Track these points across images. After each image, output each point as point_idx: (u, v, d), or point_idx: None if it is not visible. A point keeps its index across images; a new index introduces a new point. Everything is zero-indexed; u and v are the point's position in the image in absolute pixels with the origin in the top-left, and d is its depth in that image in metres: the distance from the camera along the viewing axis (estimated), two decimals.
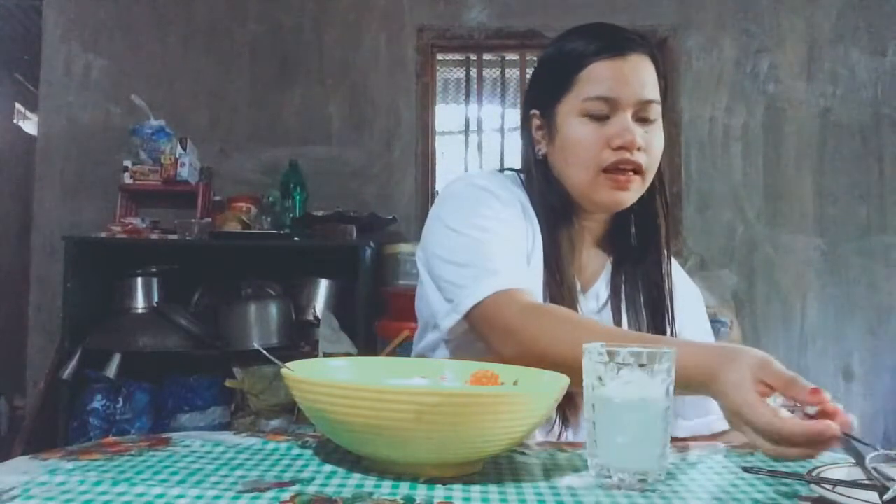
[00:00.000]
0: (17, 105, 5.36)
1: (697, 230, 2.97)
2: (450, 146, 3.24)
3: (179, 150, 2.74)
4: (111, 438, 0.82)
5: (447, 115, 3.23)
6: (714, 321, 2.62)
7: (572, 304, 0.97)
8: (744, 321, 2.85)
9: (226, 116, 2.99)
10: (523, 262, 0.96)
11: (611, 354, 0.67)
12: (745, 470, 0.67)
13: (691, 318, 1.07)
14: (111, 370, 2.46)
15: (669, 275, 1.03)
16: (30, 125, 5.20)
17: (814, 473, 0.65)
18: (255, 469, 0.69)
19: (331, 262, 2.68)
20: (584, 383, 0.69)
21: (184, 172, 2.72)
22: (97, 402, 2.45)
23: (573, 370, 0.71)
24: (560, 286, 0.98)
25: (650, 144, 0.97)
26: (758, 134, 3.01)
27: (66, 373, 2.43)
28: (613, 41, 0.97)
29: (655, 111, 0.98)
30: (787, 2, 3.03)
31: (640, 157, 0.96)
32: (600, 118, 0.96)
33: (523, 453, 0.79)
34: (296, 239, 2.61)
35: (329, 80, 3.01)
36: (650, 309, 1.02)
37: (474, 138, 3.20)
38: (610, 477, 0.66)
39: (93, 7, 3.01)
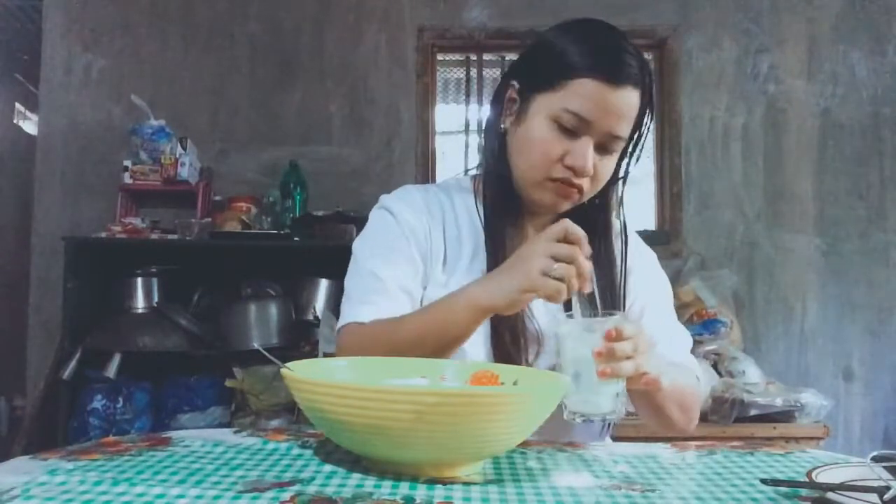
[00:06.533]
0: (17, 105, 5.35)
1: (697, 230, 2.96)
2: (450, 146, 3.23)
3: (179, 150, 2.73)
4: (111, 438, 0.82)
5: (447, 115, 3.23)
6: (714, 321, 2.64)
7: None
8: (744, 321, 2.85)
9: (226, 116, 2.99)
10: (397, 286, 1.02)
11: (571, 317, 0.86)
12: (763, 482, 0.67)
13: (647, 279, 1.14)
14: (111, 370, 2.45)
15: (622, 262, 1.09)
16: (30, 125, 5.20)
17: (814, 474, 0.65)
18: (255, 469, 0.69)
19: (331, 262, 2.66)
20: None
21: (184, 172, 2.72)
22: (97, 402, 2.45)
23: None
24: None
25: (599, 172, 1.01)
26: (758, 134, 3.00)
27: (66, 373, 2.42)
28: (613, 65, 0.96)
29: (619, 145, 1.01)
30: (787, 2, 3.03)
31: (584, 182, 1.00)
32: (567, 131, 0.98)
33: (523, 453, 0.79)
34: (296, 239, 2.61)
35: (329, 80, 3.01)
36: (601, 291, 1.05)
37: (474, 138, 3.20)
38: (574, 419, 0.84)
39: (93, 7, 3.00)
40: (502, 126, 1.05)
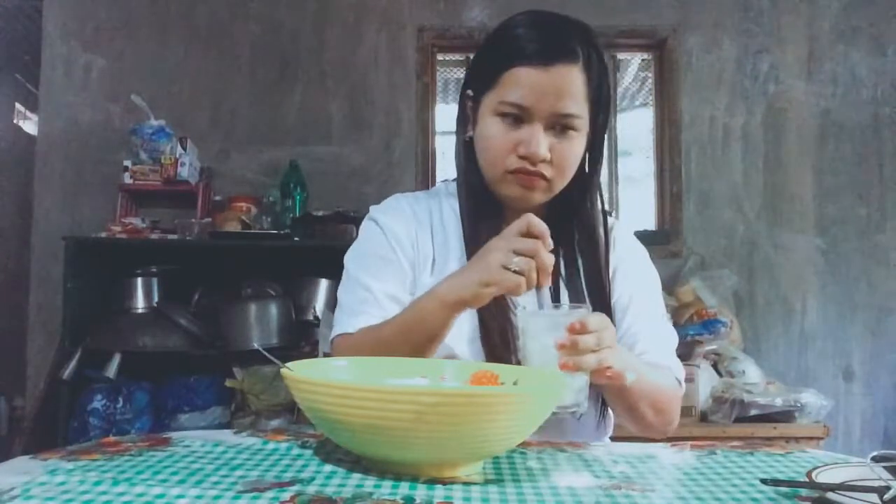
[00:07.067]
0: (17, 105, 5.36)
1: (697, 230, 2.96)
2: (450, 146, 3.23)
3: (179, 150, 2.73)
4: (111, 438, 0.82)
5: (447, 115, 3.22)
6: (714, 321, 2.64)
7: None
8: (744, 321, 2.85)
9: (226, 116, 2.99)
10: (386, 296, 1.05)
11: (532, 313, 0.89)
12: (763, 482, 0.67)
13: (635, 276, 1.12)
14: (111, 370, 2.46)
15: (605, 254, 1.08)
16: (30, 125, 5.20)
17: (814, 474, 0.65)
18: (255, 469, 0.69)
19: (331, 262, 2.65)
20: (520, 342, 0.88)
21: (184, 172, 2.72)
22: (97, 402, 2.44)
23: None
24: None
25: (561, 155, 0.99)
26: (758, 134, 3.00)
27: (66, 373, 2.42)
28: (540, 47, 0.97)
29: (575, 123, 0.99)
30: (787, 2, 3.03)
31: (544, 168, 0.99)
32: (514, 122, 0.99)
33: (523, 453, 0.79)
34: (296, 239, 2.61)
35: (329, 80, 3.01)
36: (590, 287, 1.06)
37: None
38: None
39: (93, 7, 3.00)
40: (467, 136, 1.08)
